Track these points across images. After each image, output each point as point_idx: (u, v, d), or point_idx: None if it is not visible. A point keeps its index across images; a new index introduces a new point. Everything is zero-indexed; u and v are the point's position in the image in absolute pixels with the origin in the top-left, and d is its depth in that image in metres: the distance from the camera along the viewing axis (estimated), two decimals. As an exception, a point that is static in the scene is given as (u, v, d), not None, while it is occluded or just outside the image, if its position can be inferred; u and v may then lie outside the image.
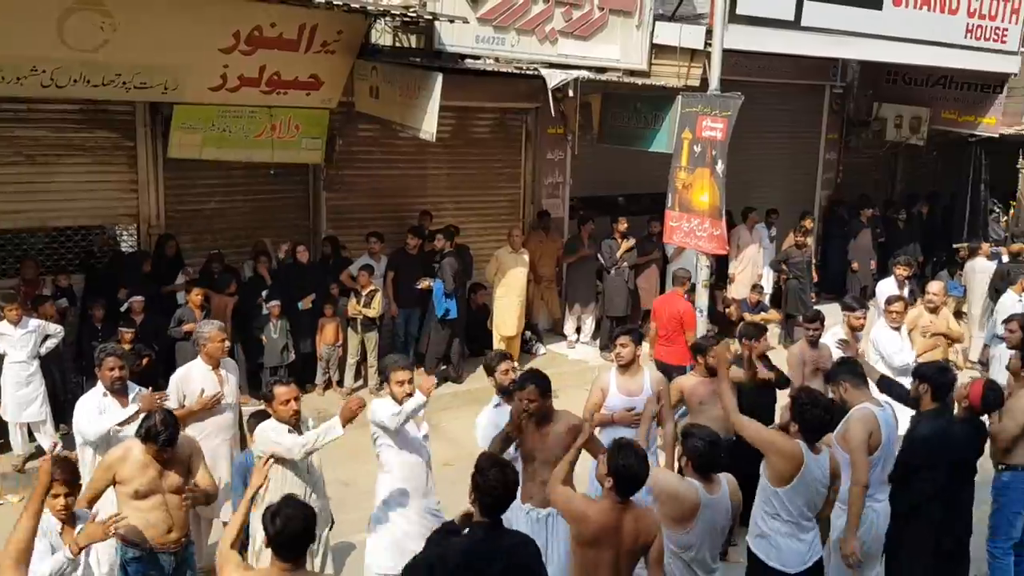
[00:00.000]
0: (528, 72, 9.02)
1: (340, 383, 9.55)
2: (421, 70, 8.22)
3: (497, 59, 9.15)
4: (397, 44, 8.92)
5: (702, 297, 9.47)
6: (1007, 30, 12.27)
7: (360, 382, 9.64)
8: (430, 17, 8.34)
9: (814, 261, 12.27)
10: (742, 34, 9.65)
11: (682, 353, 8.31)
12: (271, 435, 4.98)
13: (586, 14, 9.58)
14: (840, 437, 5.14)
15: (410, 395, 5.16)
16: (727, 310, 10.88)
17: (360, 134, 9.87)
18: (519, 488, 4.27)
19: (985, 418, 5.61)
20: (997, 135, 13.42)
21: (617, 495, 3.99)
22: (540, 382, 4.92)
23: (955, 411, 5.56)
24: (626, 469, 3.94)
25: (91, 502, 4.65)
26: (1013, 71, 12.70)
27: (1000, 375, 7.21)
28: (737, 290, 11.54)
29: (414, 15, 8.20)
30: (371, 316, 9.30)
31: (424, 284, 9.57)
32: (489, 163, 11.01)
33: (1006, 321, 7.39)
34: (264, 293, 8.98)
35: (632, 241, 10.81)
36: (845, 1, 10.40)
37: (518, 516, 5.00)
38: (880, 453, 5.11)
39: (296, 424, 5.08)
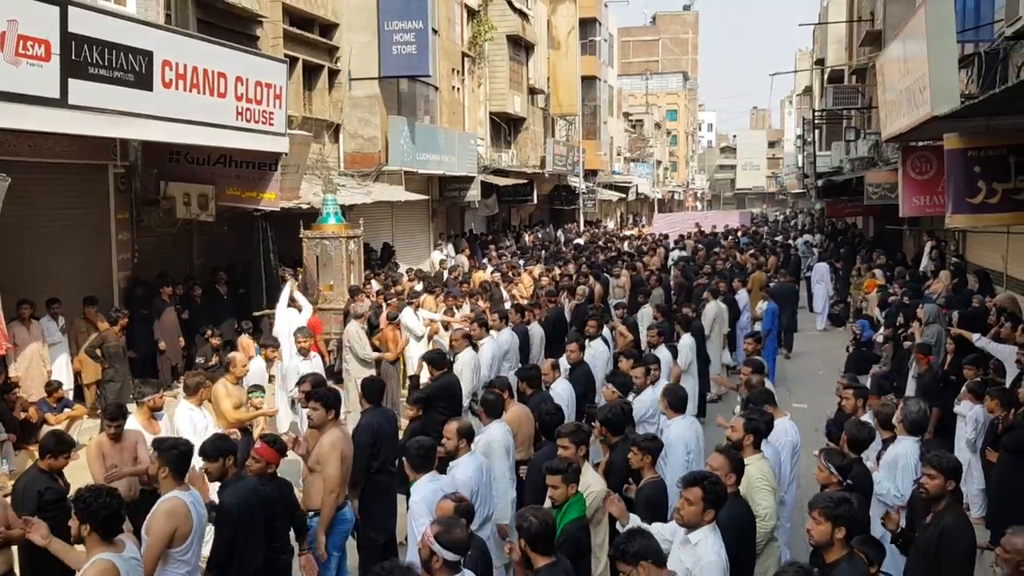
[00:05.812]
0: None
1: None
2: None
3: None
4: None
5: (-13, 406, 8.29)
6: (273, 114, 13.38)
7: None
8: None
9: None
10: (1, 111, 8.74)
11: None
12: None
13: None
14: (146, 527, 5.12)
15: None
16: (24, 414, 9.69)
17: None
18: None
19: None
20: (279, 208, 14.61)
21: None
22: None
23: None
24: None
25: None
26: (283, 151, 13.90)
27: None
28: (30, 391, 10.31)
29: None
30: None
31: None
32: None
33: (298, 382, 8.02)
34: None
35: None
36: (114, 81, 10.11)
37: None
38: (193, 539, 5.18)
39: None
